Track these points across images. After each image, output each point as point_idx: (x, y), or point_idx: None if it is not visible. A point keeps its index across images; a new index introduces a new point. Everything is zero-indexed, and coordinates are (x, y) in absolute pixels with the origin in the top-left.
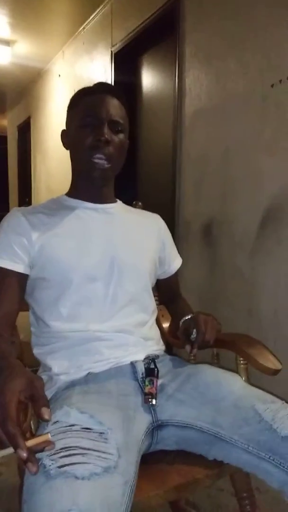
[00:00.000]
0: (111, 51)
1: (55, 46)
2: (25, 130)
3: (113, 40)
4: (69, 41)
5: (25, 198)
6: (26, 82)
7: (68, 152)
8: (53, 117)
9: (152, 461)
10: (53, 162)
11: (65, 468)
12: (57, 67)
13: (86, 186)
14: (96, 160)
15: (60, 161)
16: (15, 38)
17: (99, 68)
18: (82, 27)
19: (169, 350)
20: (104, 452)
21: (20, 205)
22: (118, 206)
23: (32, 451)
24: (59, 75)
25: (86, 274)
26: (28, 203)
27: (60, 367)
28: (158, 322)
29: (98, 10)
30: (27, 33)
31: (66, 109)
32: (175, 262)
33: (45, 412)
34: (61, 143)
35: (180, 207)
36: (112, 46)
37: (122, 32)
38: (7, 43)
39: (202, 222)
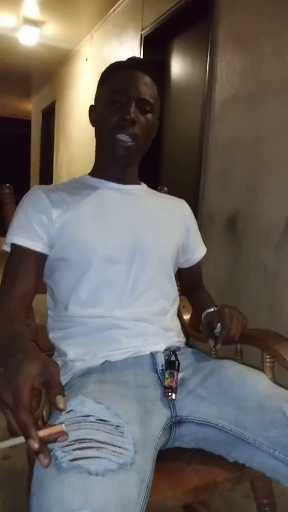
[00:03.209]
0: (141, 35)
1: (84, 28)
2: (49, 115)
3: (144, 23)
4: (98, 24)
5: (46, 184)
6: (53, 65)
7: (91, 135)
8: (78, 103)
9: (168, 458)
10: (76, 149)
11: (78, 461)
12: (85, 50)
13: (110, 165)
14: (120, 137)
15: (83, 147)
16: (44, 19)
17: (128, 52)
18: (112, 9)
19: (186, 342)
20: (120, 447)
21: None
22: (143, 189)
23: (44, 441)
24: (86, 59)
25: (107, 255)
26: None
27: (76, 353)
28: (179, 313)
29: None
30: (56, 14)
31: (92, 94)
32: (199, 251)
33: (60, 401)
34: (85, 130)
35: (204, 197)
36: (142, 29)
37: (154, 14)
38: (36, 23)
39: (226, 214)
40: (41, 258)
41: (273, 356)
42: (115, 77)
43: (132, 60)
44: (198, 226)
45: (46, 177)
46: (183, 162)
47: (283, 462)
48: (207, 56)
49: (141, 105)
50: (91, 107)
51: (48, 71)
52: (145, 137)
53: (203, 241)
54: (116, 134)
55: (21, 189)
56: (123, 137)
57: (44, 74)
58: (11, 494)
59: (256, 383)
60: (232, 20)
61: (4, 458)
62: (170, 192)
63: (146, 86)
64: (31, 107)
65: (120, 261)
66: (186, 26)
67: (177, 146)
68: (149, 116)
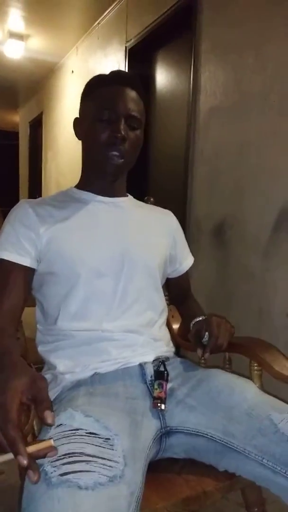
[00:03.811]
0: (125, 47)
1: (69, 41)
2: (36, 126)
3: (128, 36)
4: (83, 36)
5: (35, 195)
6: (39, 77)
7: (79, 146)
8: (66, 114)
9: (159, 469)
10: (64, 160)
11: (67, 476)
12: (71, 63)
13: (97, 179)
14: (111, 155)
15: (71, 158)
16: (29, 33)
17: (113, 64)
18: (97, 22)
19: (177, 352)
20: (109, 460)
21: None
22: (129, 201)
23: (33, 457)
24: (72, 71)
25: (95, 268)
26: None
27: (65, 365)
28: (168, 323)
29: (113, 4)
30: (41, 28)
31: (78, 105)
32: (187, 261)
33: (48, 416)
34: (73, 140)
35: (191, 206)
36: (127, 41)
37: (137, 27)
38: (21, 37)
39: (214, 222)
40: (29, 272)
41: (261, 364)
42: (103, 93)
43: (119, 75)
44: (186, 235)
45: (35, 188)
46: (170, 171)
47: (271, 470)
48: (190, 68)
49: (130, 122)
50: (76, 120)
51: (35, 84)
52: (134, 152)
53: (192, 250)
54: (107, 151)
55: (10, 201)
56: (114, 154)
57: (31, 87)
58: (4, 510)
59: (244, 391)
60: (215, 32)
61: None
62: (157, 202)
63: (134, 102)
64: (19, 119)
65: (108, 273)
66: (169, 38)
67: (164, 156)
68: (138, 132)
